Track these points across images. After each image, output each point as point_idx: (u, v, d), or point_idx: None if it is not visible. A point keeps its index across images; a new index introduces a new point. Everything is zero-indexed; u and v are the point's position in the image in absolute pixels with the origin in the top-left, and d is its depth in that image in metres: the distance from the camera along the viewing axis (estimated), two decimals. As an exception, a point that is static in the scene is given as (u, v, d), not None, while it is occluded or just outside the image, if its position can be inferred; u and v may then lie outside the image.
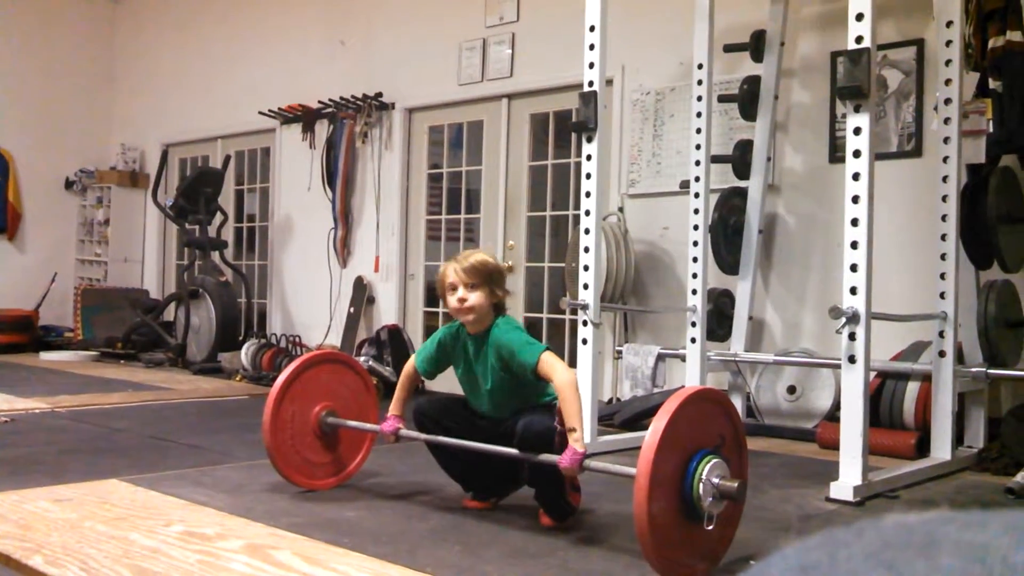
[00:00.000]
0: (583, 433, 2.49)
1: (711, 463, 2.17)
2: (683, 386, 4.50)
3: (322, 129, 7.25)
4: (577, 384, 2.56)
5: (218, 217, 7.71)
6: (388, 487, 3.11)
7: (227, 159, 7.90)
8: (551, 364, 2.55)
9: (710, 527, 2.16)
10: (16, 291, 8.58)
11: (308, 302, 7.39)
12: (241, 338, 7.13)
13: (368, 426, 3.06)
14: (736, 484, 2.18)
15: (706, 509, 2.16)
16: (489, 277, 2.67)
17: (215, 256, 7.59)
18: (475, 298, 2.64)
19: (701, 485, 2.15)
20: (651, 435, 2.08)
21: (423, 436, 2.82)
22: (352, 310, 6.84)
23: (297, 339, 6.79)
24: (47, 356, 7.59)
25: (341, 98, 6.96)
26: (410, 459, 3.55)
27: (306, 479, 2.98)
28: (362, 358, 5.83)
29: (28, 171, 8.88)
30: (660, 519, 2.07)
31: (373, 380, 3.35)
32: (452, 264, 2.70)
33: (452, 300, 2.67)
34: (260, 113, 7.59)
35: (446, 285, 2.69)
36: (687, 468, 2.16)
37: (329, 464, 3.07)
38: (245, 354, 6.58)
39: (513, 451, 2.59)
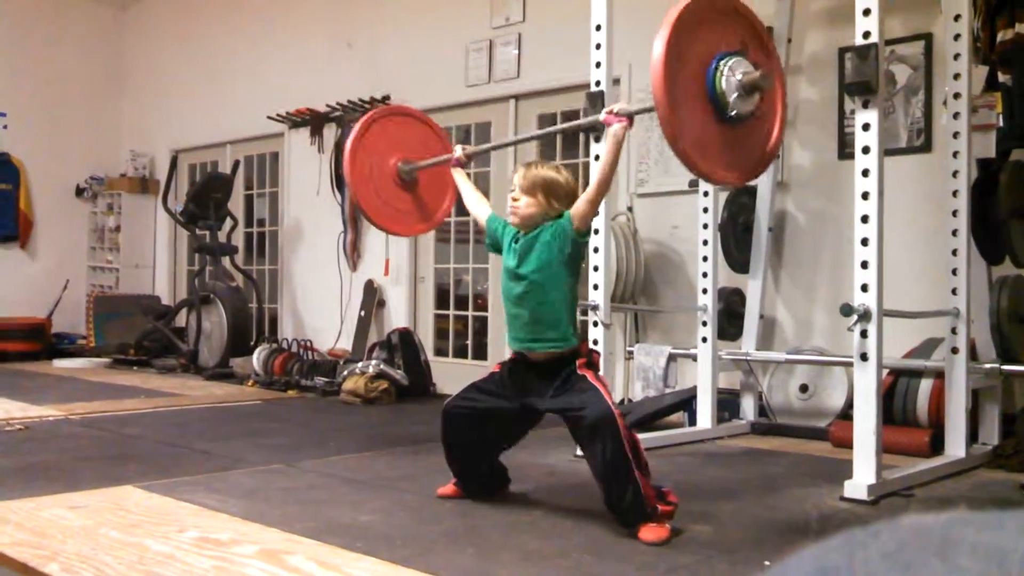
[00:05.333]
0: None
1: (732, 61, 2.15)
2: (695, 387, 4.50)
3: (330, 133, 7.27)
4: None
5: (228, 222, 7.73)
6: (402, 490, 3.12)
7: (236, 164, 7.93)
8: (579, 199, 2.70)
9: (733, 112, 2.17)
10: (29, 299, 8.64)
11: (319, 306, 7.41)
12: (252, 343, 7.15)
13: (442, 157, 3.26)
14: (759, 71, 2.14)
15: (732, 104, 2.14)
16: (544, 188, 2.74)
17: (226, 261, 7.62)
18: (523, 205, 2.75)
19: (724, 80, 2.12)
20: (656, 48, 2.12)
21: (486, 146, 3.10)
22: (363, 314, 6.85)
23: (308, 343, 6.80)
24: (60, 363, 7.63)
25: (349, 101, 6.98)
26: (423, 462, 3.56)
27: (401, 227, 3.22)
28: (373, 361, 5.83)
29: (39, 179, 8.94)
30: (689, 123, 2.05)
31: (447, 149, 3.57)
32: (522, 168, 2.82)
33: (509, 199, 2.81)
34: (268, 118, 7.61)
35: (513, 183, 2.84)
36: (707, 70, 2.13)
37: (416, 211, 3.30)
38: (257, 359, 6.60)
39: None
